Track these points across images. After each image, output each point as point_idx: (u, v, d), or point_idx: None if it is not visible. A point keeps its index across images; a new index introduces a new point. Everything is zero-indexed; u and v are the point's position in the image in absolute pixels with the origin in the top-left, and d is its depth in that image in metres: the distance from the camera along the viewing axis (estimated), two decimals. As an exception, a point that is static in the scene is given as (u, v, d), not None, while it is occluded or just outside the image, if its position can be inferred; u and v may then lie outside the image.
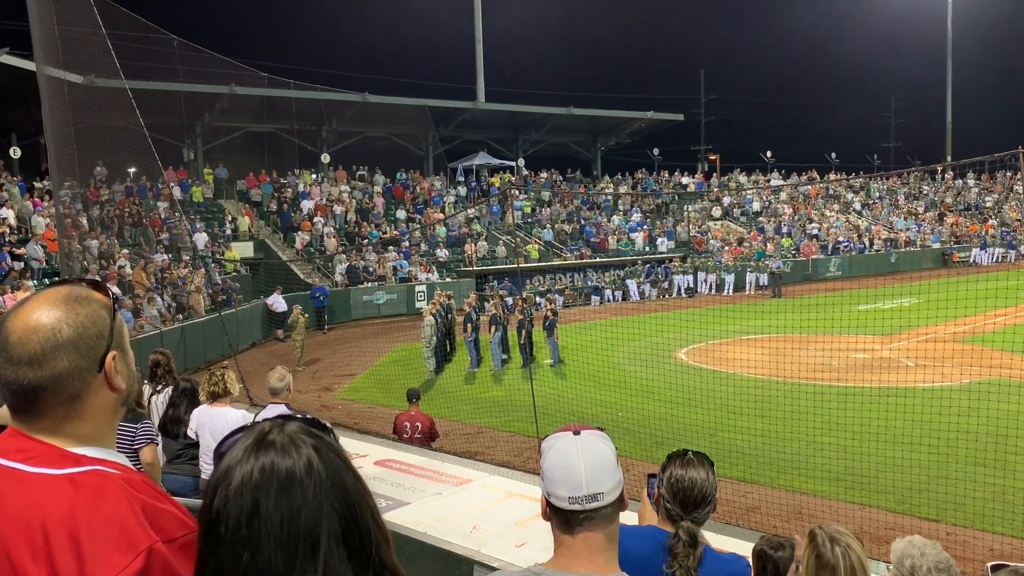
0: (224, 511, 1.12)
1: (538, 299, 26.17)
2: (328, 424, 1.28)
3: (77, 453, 1.45)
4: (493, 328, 19.09)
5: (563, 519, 1.80)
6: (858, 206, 47.37)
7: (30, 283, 18.25)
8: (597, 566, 1.77)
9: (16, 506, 1.37)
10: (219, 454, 1.22)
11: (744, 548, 3.51)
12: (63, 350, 1.43)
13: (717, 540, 3.18)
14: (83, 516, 1.34)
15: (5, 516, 1.37)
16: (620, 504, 1.82)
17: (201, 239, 27.77)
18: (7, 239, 20.62)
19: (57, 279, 1.88)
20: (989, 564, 2.86)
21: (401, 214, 35.99)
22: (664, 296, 33.47)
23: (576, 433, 1.85)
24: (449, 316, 21.17)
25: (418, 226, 35.22)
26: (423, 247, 33.76)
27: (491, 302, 21.37)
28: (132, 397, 1.63)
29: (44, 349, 1.42)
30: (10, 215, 21.92)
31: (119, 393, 1.52)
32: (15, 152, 28.32)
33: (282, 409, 6.25)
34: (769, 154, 50.51)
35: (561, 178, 44.68)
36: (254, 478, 1.13)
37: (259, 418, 1.35)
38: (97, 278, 1.65)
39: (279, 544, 1.10)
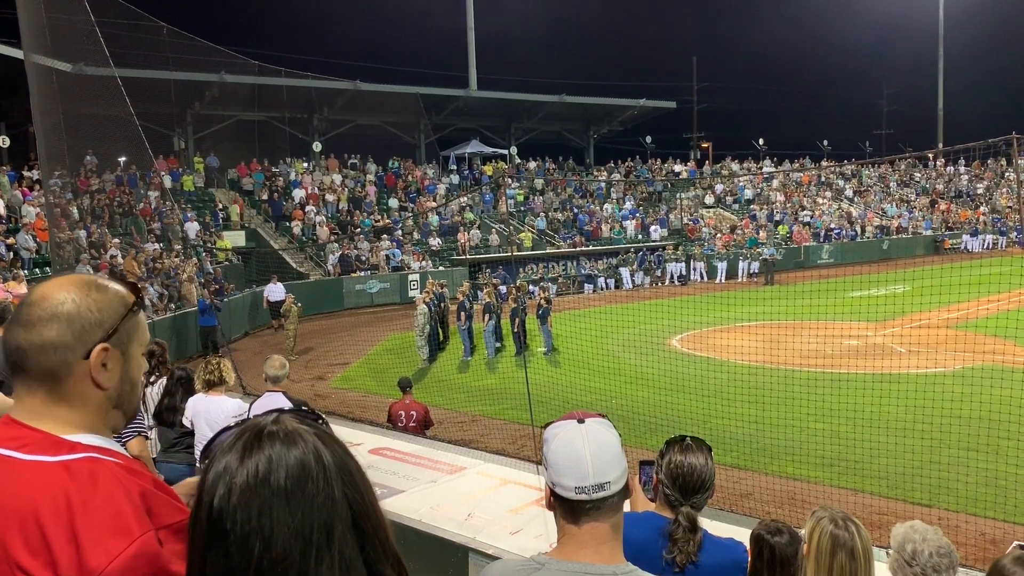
0: (229, 506, 1.09)
1: (531, 287, 26.18)
2: (321, 414, 1.26)
3: (72, 440, 1.44)
4: (487, 316, 19.08)
5: (569, 509, 1.76)
6: (850, 193, 47.45)
7: (22, 273, 18.15)
8: (603, 556, 1.75)
9: (10, 493, 1.36)
10: (207, 454, 1.19)
11: (738, 534, 3.52)
12: (57, 321, 1.44)
13: (711, 526, 3.19)
14: (77, 503, 1.34)
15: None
16: (625, 492, 1.79)
17: (192, 228, 27.62)
18: (-3, 229, 20.49)
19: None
20: (1016, 543, 2.87)
21: (393, 203, 35.87)
22: (657, 284, 33.51)
23: (580, 421, 1.80)
24: (442, 305, 21.15)
25: (411, 215, 35.12)
26: (416, 236, 33.68)
27: (485, 290, 21.34)
28: (130, 407, 1.59)
29: (41, 316, 1.44)
30: (-1, 205, 21.78)
31: (103, 391, 1.49)
32: (4, 141, 28.09)
33: (280, 396, 6.27)
34: (761, 141, 50.59)
35: (554, 166, 44.62)
36: (262, 470, 1.10)
37: (257, 405, 1.34)
38: (133, 279, 1.61)
39: (294, 534, 1.08)
